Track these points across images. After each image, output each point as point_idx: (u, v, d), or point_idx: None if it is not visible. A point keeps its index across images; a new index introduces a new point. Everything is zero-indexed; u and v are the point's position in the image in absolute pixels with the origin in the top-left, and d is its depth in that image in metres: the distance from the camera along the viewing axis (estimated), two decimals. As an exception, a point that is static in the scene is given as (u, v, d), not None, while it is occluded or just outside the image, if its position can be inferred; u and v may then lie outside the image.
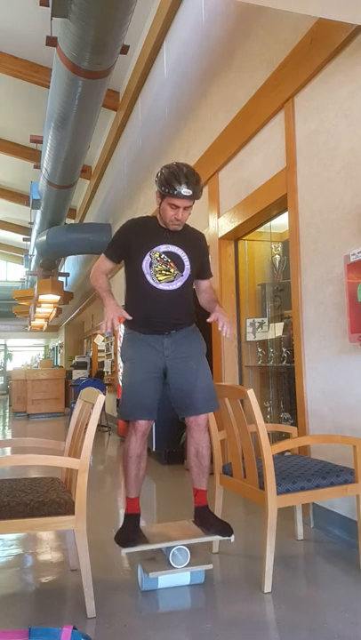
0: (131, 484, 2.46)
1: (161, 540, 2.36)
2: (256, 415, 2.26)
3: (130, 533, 2.36)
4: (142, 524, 2.51)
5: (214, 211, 4.41)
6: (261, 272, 4.60)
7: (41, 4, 3.79)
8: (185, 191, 2.35)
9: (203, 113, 4.64)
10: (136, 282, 2.51)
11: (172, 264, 2.48)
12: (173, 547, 2.28)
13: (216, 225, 4.38)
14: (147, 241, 2.50)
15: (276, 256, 4.48)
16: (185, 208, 2.43)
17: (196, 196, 2.41)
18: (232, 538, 2.39)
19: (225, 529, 2.39)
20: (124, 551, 2.31)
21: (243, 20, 3.86)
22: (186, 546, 2.30)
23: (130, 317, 2.44)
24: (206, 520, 2.44)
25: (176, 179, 2.35)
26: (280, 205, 3.52)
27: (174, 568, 2.26)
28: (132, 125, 7.11)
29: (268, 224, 4.09)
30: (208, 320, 2.48)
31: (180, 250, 2.51)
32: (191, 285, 2.59)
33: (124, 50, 4.08)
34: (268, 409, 4.43)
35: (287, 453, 2.94)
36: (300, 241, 3.17)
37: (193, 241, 2.61)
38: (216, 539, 2.40)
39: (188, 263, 2.51)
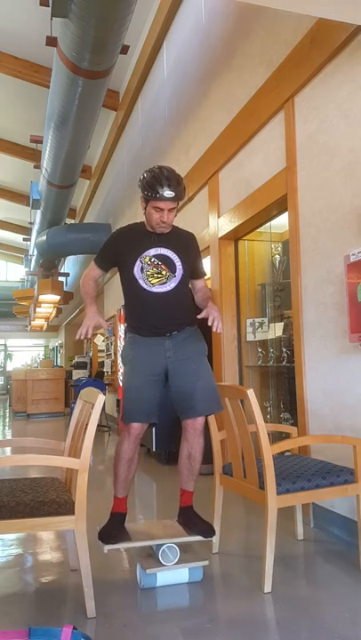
0: (119, 485, 2.48)
1: (144, 538, 2.38)
2: (256, 415, 2.26)
3: (113, 531, 2.38)
4: (140, 522, 2.51)
5: (214, 211, 4.41)
6: (261, 272, 4.60)
7: (41, 4, 3.80)
8: (167, 193, 2.39)
9: (203, 113, 4.64)
10: (131, 288, 2.54)
11: (163, 266, 2.50)
12: (163, 544, 2.30)
13: (216, 225, 4.38)
14: (136, 247, 2.53)
15: (276, 256, 4.48)
16: (169, 210, 2.45)
17: (178, 197, 2.44)
18: (213, 539, 2.43)
19: (207, 530, 2.41)
20: (107, 547, 2.32)
21: (243, 20, 3.86)
22: (176, 544, 2.31)
23: (108, 326, 2.48)
24: (190, 520, 2.46)
25: (158, 182, 2.39)
26: (280, 205, 3.52)
27: (165, 565, 2.27)
28: (132, 125, 7.12)
29: (268, 224, 4.09)
30: (199, 316, 2.51)
31: (169, 251, 2.53)
32: (187, 285, 2.61)
33: (124, 50, 4.09)
34: (268, 409, 4.43)
35: (287, 453, 2.94)
36: (300, 241, 3.17)
37: (183, 241, 2.63)
38: (198, 539, 2.41)
39: (179, 264, 2.53)
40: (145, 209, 2.50)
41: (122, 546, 2.36)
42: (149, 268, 2.49)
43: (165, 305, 2.49)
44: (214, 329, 2.45)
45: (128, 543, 2.35)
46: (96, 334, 11.09)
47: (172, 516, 2.64)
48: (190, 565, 2.31)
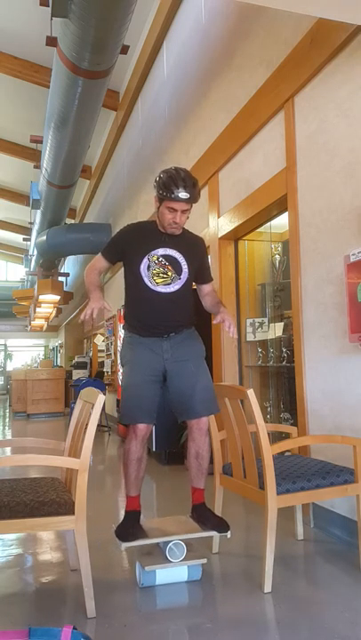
0: (131, 484, 2.49)
1: (159, 534, 2.38)
2: (256, 415, 2.26)
3: (130, 528, 2.39)
4: (141, 521, 2.52)
5: (214, 211, 4.41)
6: (261, 272, 4.60)
7: (41, 4, 3.80)
8: (183, 194, 2.40)
9: (203, 113, 4.64)
10: (134, 285, 2.54)
11: (169, 267, 2.51)
12: (170, 542, 2.31)
13: (216, 225, 4.38)
14: (145, 244, 2.53)
15: (276, 256, 4.48)
16: (183, 211, 2.46)
17: (193, 199, 2.45)
18: (228, 534, 2.42)
19: (222, 525, 2.41)
20: (124, 545, 2.33)
21: (243, 19, 3.86)
22: (183, 541, 2.32)
23: (111, 309, 2.51)
24: (203, 516, 2.46)
25: (174, 182, 2.40)
26: (280, 205, 3.51)
27: (171, 562, 2.28)
28: (132, 125, 7.12)
29: (268, 224, 4.09)
30: (214, 322, 2.53)
31: (177, 253, 2.54)
32: (190, 288, 2.62)
33: (124, 50, 4.09)
34: (268, 409, 4.43)
35: (287, 453, 2.94)
36: (300, 241, 3.17)
37: (191, 245, 2.64)
38: (213, 534, 2.42)
39: (185, 267, 2.54)
40: (158, 208, 2.51)
41: (139, 543, 2.36)
42: (156, 267, 2.50)
43: (167, 306, 2.50)
44: (230, 334, 2.46)
45: (145, 540, 2.36)
46: (96, 334, 11.09)
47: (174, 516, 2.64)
48: (189, 563, 2.32)
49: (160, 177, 2.46)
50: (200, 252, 2.68)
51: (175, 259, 2.53)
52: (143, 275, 2.49)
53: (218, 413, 2.58)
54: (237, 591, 2.29)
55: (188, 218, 2.53)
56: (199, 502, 2.50)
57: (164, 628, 1.99)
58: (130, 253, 2.55)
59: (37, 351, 24.81)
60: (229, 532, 2.41)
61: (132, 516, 2.46)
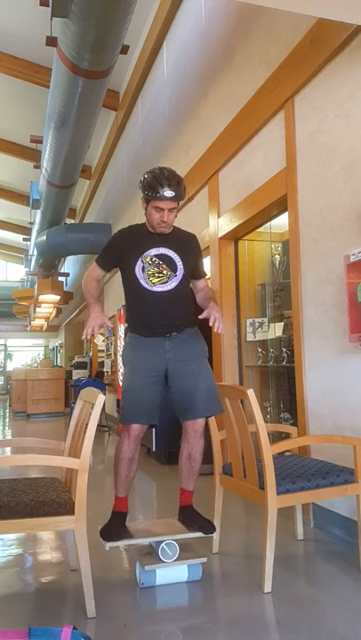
0: (120, 484, 2.49)
1: (145, 535, 2.39)
2: (256, 415, 2.26)
3: (114, 529, 2.40)
4: (141, 521, 2.52)
5: (214, 211, 4.41)
6: (261, 272, 4.60)
7: (41, 4, 3.80)
8: (168, 193, 2.42)
9: (203, 113, 4.64)
10: (132, 287, 2.55)
11: (164, 266, 2.52)
12: (162, 542, 2.31)
13: (216, 225, 4.38)
14: (137, 247, 2.55)
15: (276, 256, 4.48)
16: (170, 210, 2.48)
17: (179, 197, 2.46)
18: (214, 535, 2.45)
19: (207, 526, 2.43)
20: (108, 545, 2.34)
21: (243, 19, 3.86)
22: (175, 541, 2.33)
23: (111, 325, 2.51)
24: (190, 518, 2.48)
25: (158, 182, 2.42)
26: (280, 205, 3.52)
27: (165, 562, 2.28)
28: (132, 125, 7.12)
29: (268, 224, 4.09)
30: (200, 317, 2.52)
31: (170, 251, 2.55)
32: (187, 285, 2.63)
33: (124, 50, 4.09)
34: (268, 409, 4.43)
35: (287, 453, 2.94)
36: (300, 241, 3.17)
37: (183, 241, 2.65)
38: (198, 535, 2.43)
39: (180, 263, 2.55)
40: (146, 209, 2.52)
41: (123, 543, 2.37)
42: (150, 267, 2.51)
43: (166, 304, 2.50)
44: (215, 329, 2.46)
45: (130, 540, 2.37)
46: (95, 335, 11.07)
47: (172, 516, 2.64)
48: (189, 562, 2.32)
49: (144, 177, 2.48)
50: (194, 249, 2.70)
51: (169, 257, 2.54)
52: (139, 277, 2.51)
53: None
54: (237, 591, 2.29)
55: (176, 216, 2.54)
56: (186, 504, 2.52)
57: (164, 628, 1.99)
58: (124, 258, 2.57)
59: (37, 351, 24.80)
60: (215, 532, 2.44)
61: (119, 516, 2.46)
